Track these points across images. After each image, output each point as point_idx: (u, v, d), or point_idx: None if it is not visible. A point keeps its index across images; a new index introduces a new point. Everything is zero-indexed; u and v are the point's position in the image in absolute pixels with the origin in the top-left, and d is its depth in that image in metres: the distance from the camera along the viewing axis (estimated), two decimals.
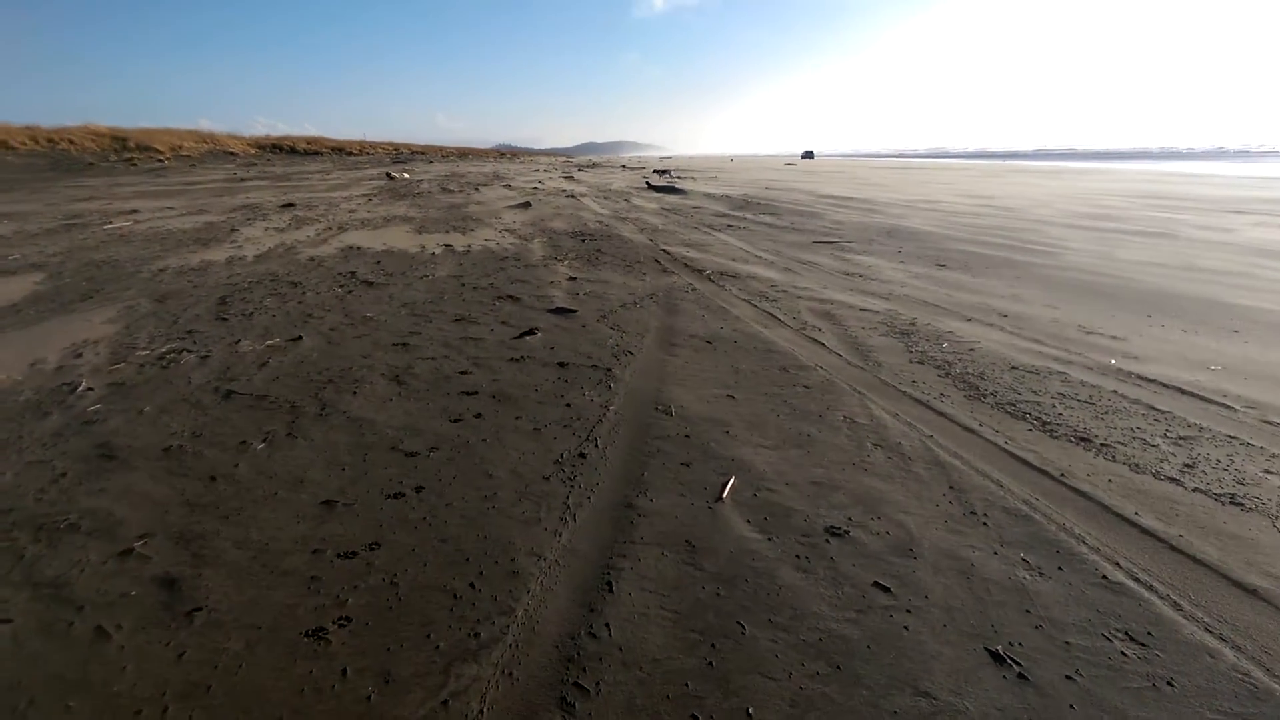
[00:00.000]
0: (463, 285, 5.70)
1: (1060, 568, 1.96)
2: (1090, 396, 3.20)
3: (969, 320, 4.57)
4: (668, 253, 7.52)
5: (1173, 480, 2.43)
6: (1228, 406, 3.04)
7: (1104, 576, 1.92)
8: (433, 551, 2.04)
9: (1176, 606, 1.80)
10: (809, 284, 5.82)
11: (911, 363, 3.74)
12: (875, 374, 3.57)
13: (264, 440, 2.76)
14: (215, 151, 32.74)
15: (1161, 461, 2.57)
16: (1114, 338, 4.09)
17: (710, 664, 1.62)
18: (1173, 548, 2.05)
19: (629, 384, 3.44)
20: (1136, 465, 2.54)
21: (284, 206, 11.69)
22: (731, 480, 2.49)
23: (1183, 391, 3.23)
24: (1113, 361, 3.64)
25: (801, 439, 2.82)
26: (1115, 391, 3.24)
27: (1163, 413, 2.99)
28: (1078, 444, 2.73)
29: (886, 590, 1.89)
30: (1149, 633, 1.70)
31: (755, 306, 5.03)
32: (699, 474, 2.54)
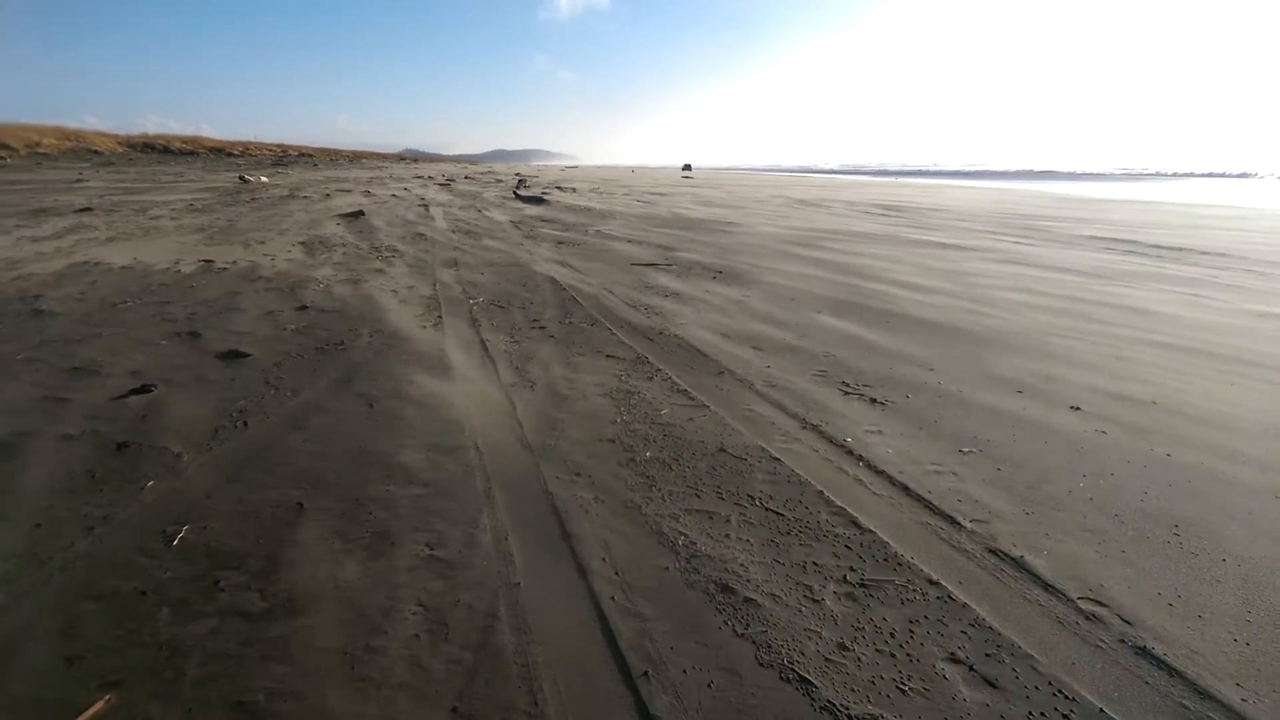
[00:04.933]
0: (154, 315, 4.59)
1: None
2: (787, 501, 2.34)
3: (720, 374, 3.70)
4: (458, 275, 6.48)
5: (803, 685, 1.54)
6: (954, 521, 2.22)
7: None
8: None
9: None
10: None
11: (601, 440, 2.82)
12: (539, 461, 2.63)
13: None
14: (78, 149, 30.73)
15: (808, 638, 1.68)
16: (874, 401, 3.29)
17: None
18: None
19: (185, 479, 2.39)
20: (768, 648, 1.65)
21: (79, 211, 10.54)
22: None
23: (907, 491, 2.41)
24: (848, 440, 2.81)
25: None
26: (821, 493, 2.38)
27: (862, 532, 2.14)
28: (710, 601, 1.82)
29: None
30: None
31: (486, 352, 4.05)
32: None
